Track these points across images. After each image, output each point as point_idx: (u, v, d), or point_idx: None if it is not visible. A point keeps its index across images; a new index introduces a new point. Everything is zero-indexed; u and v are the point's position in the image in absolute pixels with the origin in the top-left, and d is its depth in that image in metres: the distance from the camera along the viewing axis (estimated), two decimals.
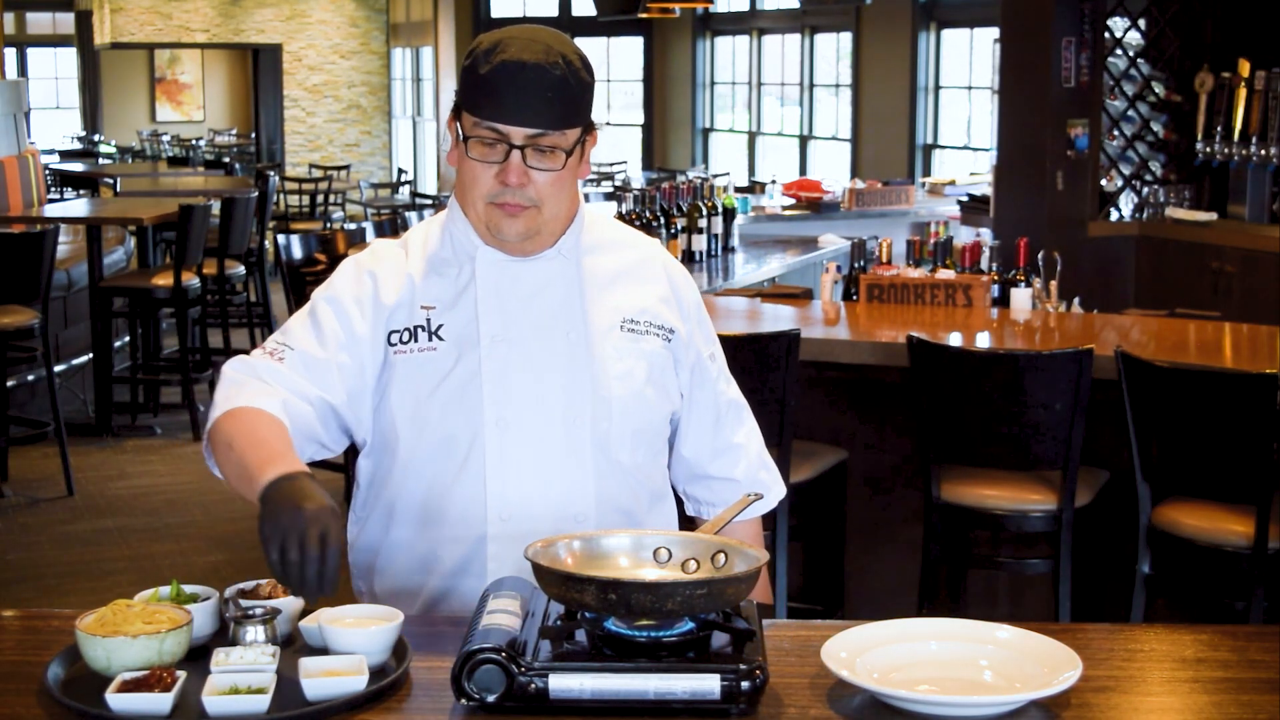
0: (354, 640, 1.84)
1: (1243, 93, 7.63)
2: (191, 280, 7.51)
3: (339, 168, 15.69)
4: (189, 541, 5.94)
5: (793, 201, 8.94)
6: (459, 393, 2.20)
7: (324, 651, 1.87)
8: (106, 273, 7.77)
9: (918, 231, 6.00)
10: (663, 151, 16.38)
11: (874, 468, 4.63)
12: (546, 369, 2.23)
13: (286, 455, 1.98)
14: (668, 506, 2.41)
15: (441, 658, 1.88)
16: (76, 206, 9.59)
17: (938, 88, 12.32)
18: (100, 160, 16.96)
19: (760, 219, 8.51)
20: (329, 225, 13.27)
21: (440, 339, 2.23)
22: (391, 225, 7.84)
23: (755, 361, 4.01)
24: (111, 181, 11.78)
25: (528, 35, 2.19)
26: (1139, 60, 8.15)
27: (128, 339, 8.25)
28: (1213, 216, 7.82)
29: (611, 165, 14.32)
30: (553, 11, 16.93)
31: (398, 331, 2.23)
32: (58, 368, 7.50)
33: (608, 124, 16.56)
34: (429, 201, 13.22)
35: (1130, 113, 8.21)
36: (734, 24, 15.27)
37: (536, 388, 2.22)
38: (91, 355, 7.77)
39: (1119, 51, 8.12)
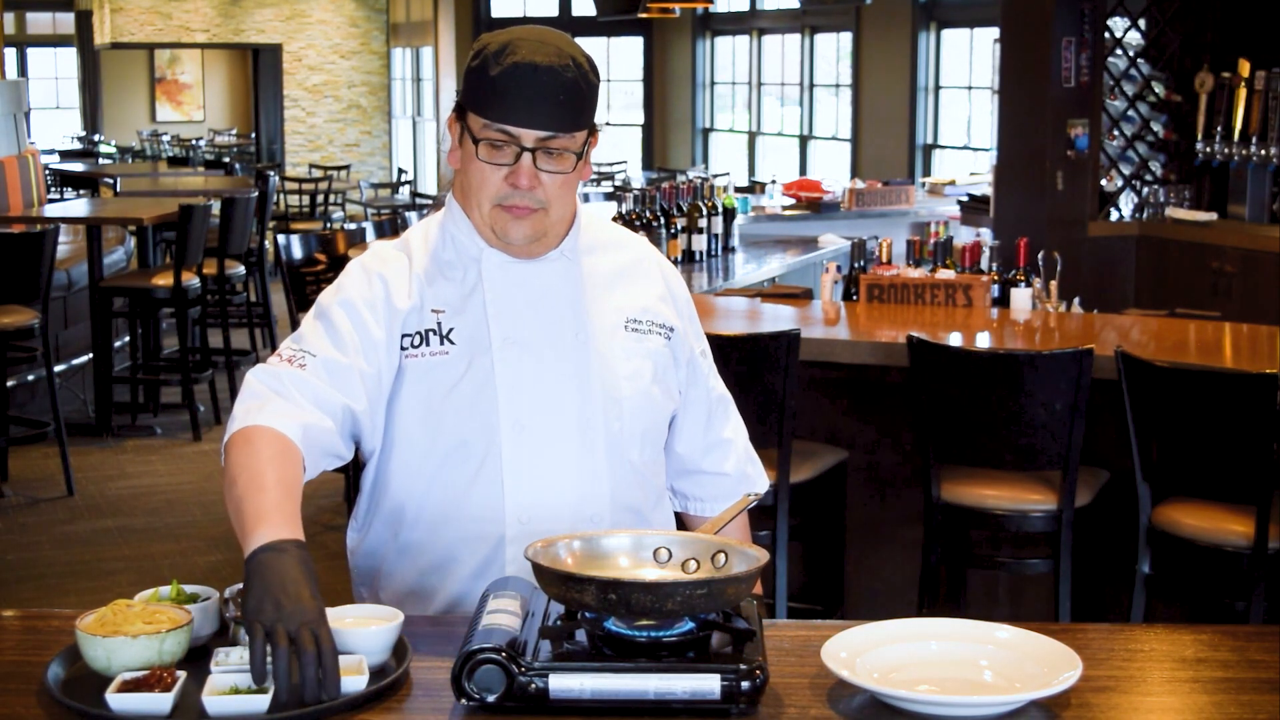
0: (354, 640, 1.84)
1: (1243, 93, 7.63)
2: (191, 280, 7.51)
3: (339, 168, 15.69)
4: (189, 541, 5.94)
5: (793, 201, 8.94)
6: (473, 397, 2.19)
7: None
8: (106, 273, 7.77)
9: (918, 231, 6.00)
10: (663, 151, 16.38)
11: (874, 468, 4.63)
12: (558, 371, 2.23)
13: (281, 512, 1.92)
14: (667, 503, 2.43)
15: (441, 658, 1.88)
16: (76, 206, 9.59)
17: (938, 88, 12.32)
18: (100, 160, 16.96)
19: (760, 219, 8.51)
20: (329, 225, 13.28)
21: (451, 343, 2.21)
22: (391, 225, 7.84)
23: (755, 361, 4.01)
24: (111, 181, 11.78)
25: (536, 36, 2.18)
26: (1139, 60, 8.15)
27: (128, 339, 8.25)
28: (1213, 216, 7.82)
29: (611, 165, 14.32)
30: (553, 11, 16.93)
31: (409, 335, 2.22)
32: (58, 368, 7.50)
33: (608, 124, 16.55)
34: (429, 201, 13.23)
35: (1130, 113, 8.21)
36: (734, 24, 15.27)
37: (549, 390, 2.22)
38: (91, 355, 7.77)
39: (1119, 51, 8.12)
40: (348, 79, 18.58)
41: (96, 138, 19.55)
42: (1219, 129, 7.75)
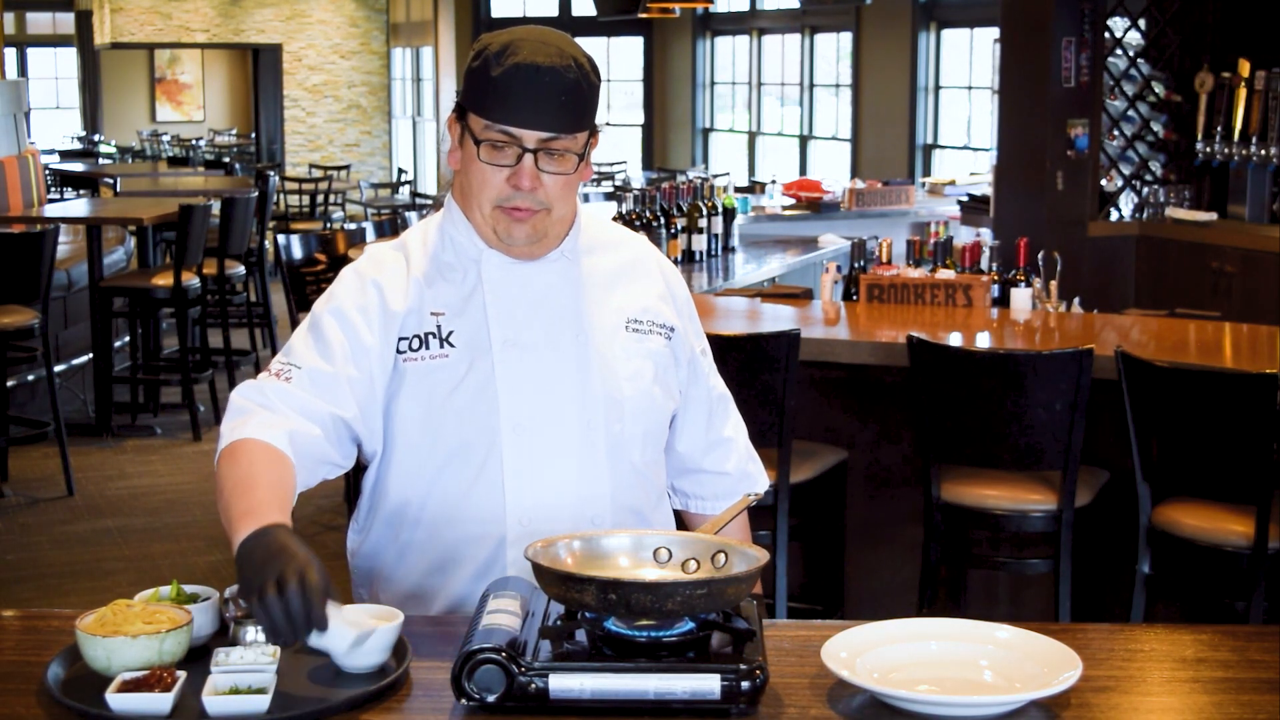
0: (354, 640, 1.83)
1: (1243, 93, 7.63)
2: (191, 280, 7.51)
3: (339, 168, 15.69)
4: (189, 541, 5.94)
5: (793, 201, 8.94)
6: (474, 399, 2.19)
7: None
8: (106, 273, 7.77)
9: (918, 231, 6.00)
10: (663, 151, 16.38)
11: (874, 468, 4.63)
12: (558, 372, 2.22)
13: (268, 506, 1.93)
14: (667, 503, 2.43)
15: (441, 658, 1.88)
16: (76, 206, 9.59)
17: (938, 88, 12.32)
18: (100, 160, 16.96)
19: (760, 219, 8.51)
20: (329, 225, 13.28)
21: (451, 345, 2.21)
22: (391, 225, 7.84)
23: (755, 361, 4.01)
24: (111, 181, 11.78)
25: (537, 37, 2.18)
26: (1139, 60, 8.15)
27: (128, 339, 8.25)
28: (1213, 216, 7.82)
29: (611, 165, 14.32)
30: (553, 11, 16.93)
31: (407, 339, 2.21)
32: (58, 368, 7.50)
33: (608, 124, 16.55)
34: (429, 201, 13.23)
35: (1130, 113, 8.21)
36: (734, 24, 15.27)
37: (550, 392, 2.21)
38: (91, 355, 7.77)
39: (1119, 51, 8.12)
40: (348, 79, 18.58)
41: (96, 138, 19.55)
42: (1219, 129, 7.75)
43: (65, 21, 22.31)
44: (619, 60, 17.05)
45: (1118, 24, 8.09)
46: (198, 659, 1.85)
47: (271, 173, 11.92)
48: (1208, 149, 7.84)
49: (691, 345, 2.39)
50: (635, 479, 2.28)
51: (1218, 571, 3.70)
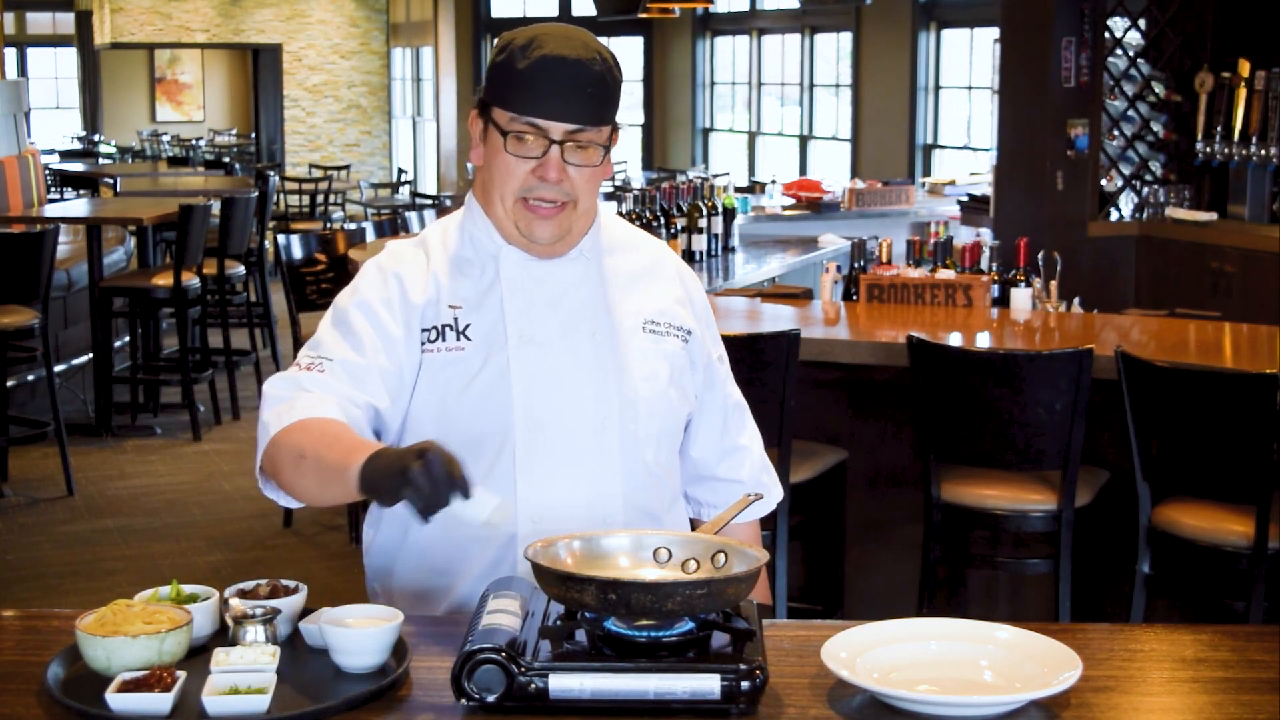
0: (354, 640, 1.84)
1: (1243, 93, 7.63)
2: (191, 280, 7.51)
3: (339, 168, 15.69)
4: (189, 541, 5.94)
5: (793, 201, 8.94)
6: (488, 393, 2.19)
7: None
8: (106, 273, 7.77)
9: (918, 231, 6.00)
10: (663, 151, 16.38)
11: (874, 468, 4.63)
12: (574, 370, 2.22)
13: (368, 444, 1.97)
14: (681, 506, 2.42)
15: (441, 658, 1.88)
16: (76, 206, 9.59)
17: (938, 88, 12.32)
18: (100, 160, 16.96)
19: (760, 219, 8.50)
20: (329, 225, 13.27)
21: (468, 339, 2.21)
22: (391, 225, 7.84)
23: (755, 361, 4.01)
24: (111, 181, 11.78)
25: (561, 32, 2.19)
26: (1139, 60, 8.15)
27: (128, 339, 8.25)
28: (1213, 216, 7.82)
29: (611, 165, 14.30)
30: (553, 11, 16.93)
31: (426, 330, 2.22)
32: (58, 368, 7.50)
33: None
34: (429, 201, 13.23)
35: (1130, 113, 8.21)
36: (734, 24, 15.27)
37: (565, 389, 2.21)
38: (91, 355, 7.77)
39: (1119, 51, 8.12)
40: (348, 79, 18.58)
41: (96, 138, 19.55)
42: (1219, 129, 7.75)
43: (65, 21, 22.31)
44: (619, 60, 17.03)
45: (1118, 24, 8.09)
46: (198, 659, 1.85)
47: (271, 173, 11.91)
48: (1208, 149, 7.84)
49: (708, 351, 2.39)
50: (649, 480, 2.28)
51: (1218, 571, 3.70)
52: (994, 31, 8.84)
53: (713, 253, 6.79)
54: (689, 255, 6.64)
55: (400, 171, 17.54)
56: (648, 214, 6.53)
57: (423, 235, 2.33)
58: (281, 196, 14.26)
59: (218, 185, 11.06)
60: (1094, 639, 1.99)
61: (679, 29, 15.85)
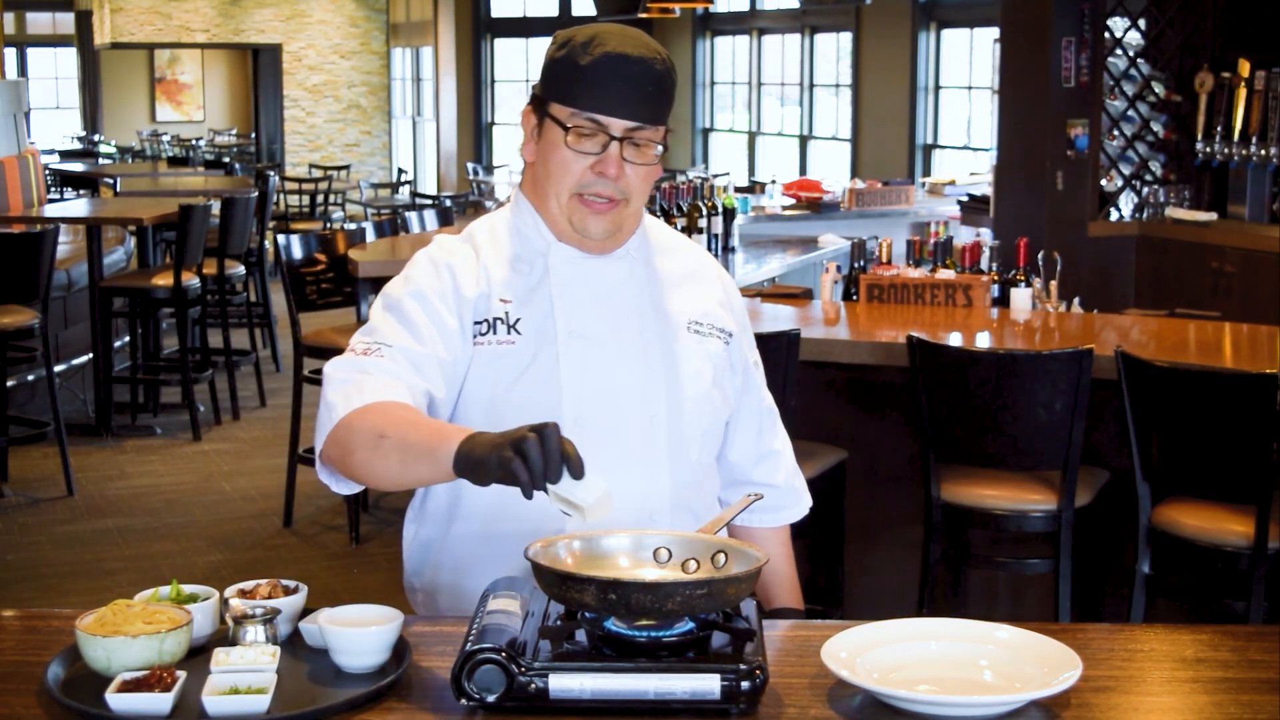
0: (354, 640, 1.84)
1: (1243, 93, 7.63)
2: (191, 280, 7.51)
3: (339, 168, 15.69)
4: (189, 541, 5.94)
5: (793, 201, 8.94)
6: (536, 389, 2.20)
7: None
8: (106, 273, 7.77)
9: (918, 231, 6.00)
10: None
11: (874, 468, 4.62)
12: (622, 367, 2.23)
13: (457, 427, 1.96)
14: (718, 509, 2.43)
15: (441, 658, 1.88)
16: (76, 206, 9.58)
17: (938, 88, 12.32)
18: (100, 160, 16.97)
19: (760, 219, 8.50)
20: (329, 225, 13.28)
21: (518, 332, 2.22)
22: (391, 225, 7.84)
23: None
24: (111, 181, 11.77)
25: (621, 31, 2.21)
26: (1139, 60, 8.15)
27: (128, 339, 8.25)
28: (1213, 216, 7.82)
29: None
30: (553, 11, 16.94)
31: (478, 323, 2.22)
32: (58, 368, 7.50)
33: None
34: (429, 202, 13.23)
35: (1130, 113, 8.20)
36: (734, 24, 15.27)
37: (613, 386, 2.23)
38: (91, 355, 7.77)
39: (1119, 51, 8.12)
40: (348, 79, 18.58)
41: (96, 138, 19.56)
42: (1219, 129, 7.75)
43: (65, 21, 22.32)
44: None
45: (1118, 24, 8.08)
46: (198, 659, 1.85)
47: (271, 173, 11.92)
48: (1208, 149, 7.83)
49: (746, 354, 2.42)
50: (693, 479, 2.29)
51: (1218, 571, 3.70)
52: (994, 31, 8.84)
53: (713, 253, 6.78)
54: None
55: (400, 171, 17.54)
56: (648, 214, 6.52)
57: (468, 231, 2.33)
58: (281, 196, 14.26)
59: (218, 185, 11.06)
60: (1094, 639, 1.99)
61: (679, 29, 15.85)
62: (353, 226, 7.67)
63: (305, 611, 1.97)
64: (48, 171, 12.77)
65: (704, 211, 6.73)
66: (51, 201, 10.55)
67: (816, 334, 4.41)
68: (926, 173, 11.93)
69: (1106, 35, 7.98)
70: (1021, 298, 4.78)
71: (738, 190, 8.75)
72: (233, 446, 7.36)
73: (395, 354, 2.15)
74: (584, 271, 2.26)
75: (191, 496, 6.55)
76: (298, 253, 6.24)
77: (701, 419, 2.30)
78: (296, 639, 1.94)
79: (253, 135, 20.03)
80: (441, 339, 2.19)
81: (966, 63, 12.08)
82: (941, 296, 4.79)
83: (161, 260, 8.84)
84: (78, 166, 14.87)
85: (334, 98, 18.53)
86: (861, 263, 5.02)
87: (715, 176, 9.94)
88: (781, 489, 2.49)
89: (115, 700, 1.72)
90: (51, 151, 16.78)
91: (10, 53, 21.07)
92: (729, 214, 6.93)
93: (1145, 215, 8.08)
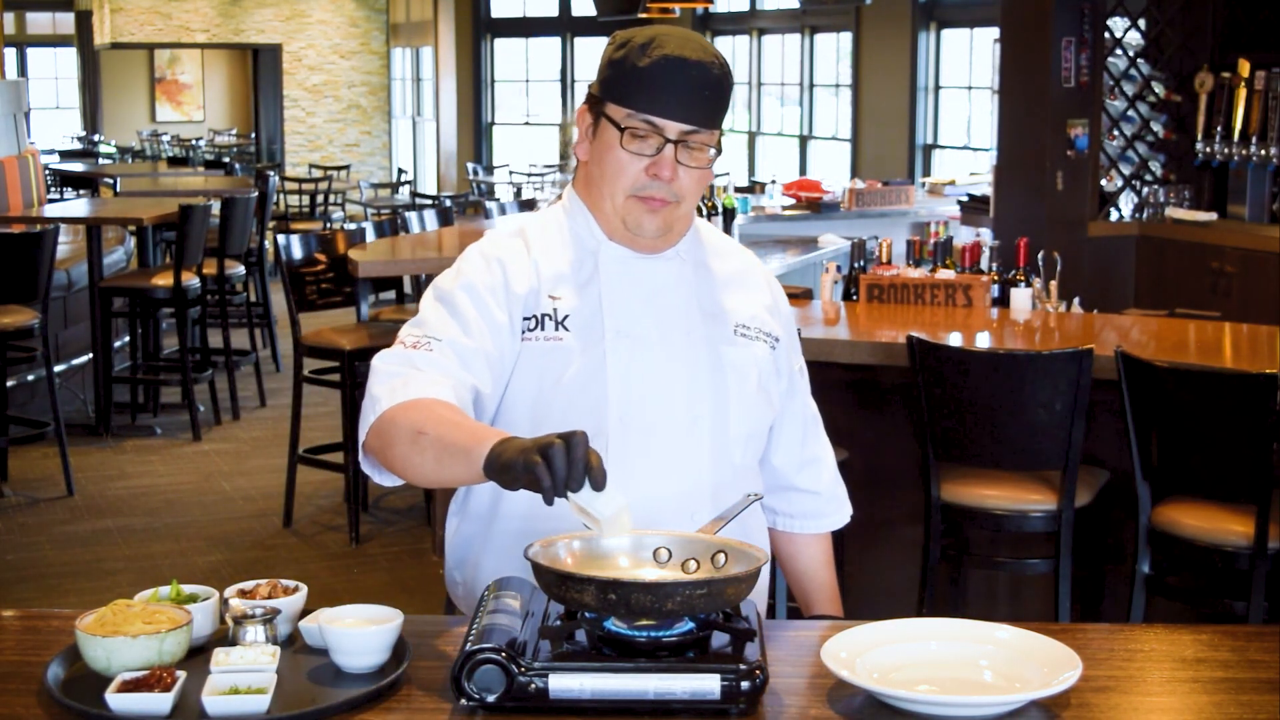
0: (354, 640, 1.84)
1: (1243, 93, 7.63)
2: (191, 280, 7.51)
3: (339, 168, 15.69)
4: (189, 541, 5.94)
5: (793, 201, 8.94)
6: (583, 386, 2.20)
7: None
8: (106, 273, 7.77)
9: (918, 231, 6.00)
10: None
11: (874, 468, 4.62)
12: (669, 367, 2.24)
13: (496, 430, 1.96)
14: (761, 513, 2.44)
15: (441, 658, 1.88)
16: (76, 206, 9.58)
17: (938, 88, 12.32)
18: (100, 160, 16.97)
19: (760, 219, 8.51)
20: (329, 225, 13.28)
21: (566, 329, 2.22)
22: (391, 225, 7.84)
23: None
24: (111, 181, 11.77)
25: (679, 34, 2.22)
26: (1139, 60, 8.15)
27: (128, 339, 8.25)
28: (1213, 216, 7.82)
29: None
30: (553, 11, 16.93)
31: (527, 319, 2.23)
32: (58, 368, 7.50)
33: None
34: (429, 202, 13.23)
35: (1130, 113, 8.21)
36: (734, 24, 15.27)
37: (659, 385, 2.23)
38: (91, 355, 7.77)
39: (1119, 51, 8.12)
40: (348, 79, 18.59)
41: (96, 138, 19.56)
42: (1219, 129, 7.75)
43: (65, 21, 22.32)
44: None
45: (1118, 24, 8.08)
46: (198, 659, 1.85)
47: (271, 173, 11.91)
48: (1208, 149, 7.83)
49: (791, 360, 2.43)
50: (735, 480, 2.29)
51: (1218, 571, 3.70)
52: (994, 31, 8.83)
53: None
54: None
55: (400, 171, 17.54)
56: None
57: (519, 227, 2.34)
58: (281, 196, 14.27)
59: (218, 185, 11.06)
60: (1094, 639, 1.99)
61: None
62: (353, 226, 7.67)
63: (305, 611, 1.97)
64: (48, 171, 12.77)
65: (704, 211, 6.73)
66: (51, 201, 10.55)
67: (816, 334, 4.41)
68: (926, 173, 11.93)
69: (1106, 35, 7.98)
70: (1021, 298, 4.78)
71: (738, 190, 8.76)
72: (233, 446, 7.36)
73: (444, 348, 2.16)
74: (634, 271, 2.27)
75: (191, 496, 6.55)
76: (298, 253, 6.24)
77: (746, 422, 2.30)
78: (296, 639, 1.94)
79: (253, 135, 20.03)
80: (490, 333, 2.19)
81: (966, 63, 12.08)
82: (941, 296, 4.79)
83: (161, 260, 8.84)
84: (78, 166, 14.87)
85: (334, 98, 18.54)
86: (861, 263, 5.02)
87: (715, 176, 9.95)
88: (824, 496, 2.50)
89: (115, 700, 1.72)
90: (51, 151, 16.78)
91: (10, 53, 21.07)
92: (729, 214, 6.93)
93: (1145, 215, 8.08)
